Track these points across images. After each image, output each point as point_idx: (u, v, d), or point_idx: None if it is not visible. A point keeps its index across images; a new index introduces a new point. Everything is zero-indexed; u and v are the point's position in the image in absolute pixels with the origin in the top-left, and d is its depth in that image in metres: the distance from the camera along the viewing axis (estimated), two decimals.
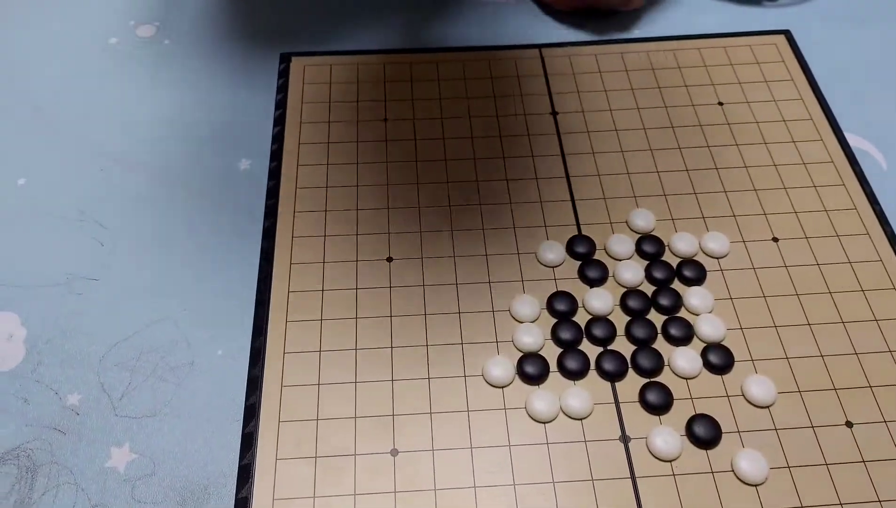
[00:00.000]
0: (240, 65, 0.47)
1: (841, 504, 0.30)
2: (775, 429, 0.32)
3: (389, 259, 0.37)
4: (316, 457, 0.31)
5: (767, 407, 0.33)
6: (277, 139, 0.42)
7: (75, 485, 0.32)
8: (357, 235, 0.38)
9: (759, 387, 0.33)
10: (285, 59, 0.46)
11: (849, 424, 0.32)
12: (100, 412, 0.34)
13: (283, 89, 0.44)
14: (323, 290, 0.36)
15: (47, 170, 0.42)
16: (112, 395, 0.34)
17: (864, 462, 0.31)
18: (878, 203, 0.39)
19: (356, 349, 0.34)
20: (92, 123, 0.44)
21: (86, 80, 0.46)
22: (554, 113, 0.43)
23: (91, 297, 0.37)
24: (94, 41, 0.48)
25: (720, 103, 0.44)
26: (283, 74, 0.45)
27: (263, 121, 0.44)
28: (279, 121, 0.43)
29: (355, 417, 0.32)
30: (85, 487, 0.32)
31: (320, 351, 0.34)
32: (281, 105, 0.43)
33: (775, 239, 0.38)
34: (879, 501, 0.30)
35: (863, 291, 0.36)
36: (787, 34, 0.47)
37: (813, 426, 0.32)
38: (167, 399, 0.34)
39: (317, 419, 0.32)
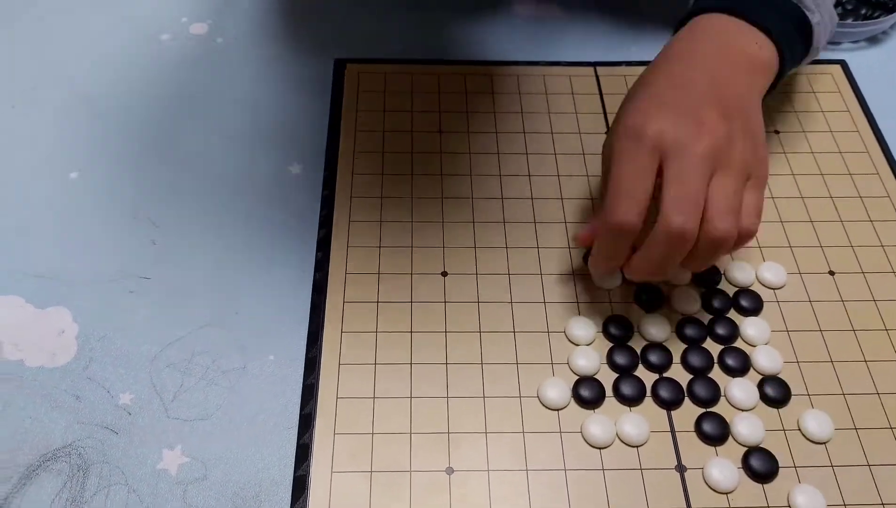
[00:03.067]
0: (292, 67, 0.47)
1: None
2: (832, 466, 0.32)
3: (444, 274, 0.37)
4: (371, 471, 0.31)
5: (824, 443, 0.32)
6: (332, 147, 0.42)
7: (127, 486, 0.32)
8: (412, 247, 0.38)
9: (817, 422, 0.33)
10: (340, 65, 0.45)
11: None
12: (152, 413, 0.33)
13: (337, 96, 0.44)
14: (378, 302, 0.36)
15: (99, 165, 0.42)
16: (164, 396, 0.34)
17: None
18: None
19: (411, 364, 0.34)
20: (144, 118, 0.44)
21: (137, 75, 0.46)
22: (609, 132, 0.43)
23: (143, 295, 0.37)
24: (147, 36, 0.48)
25: (776, 132, 0.43)
26: (338, 81, 0.45)
27: (315, 125, 0.43)
28: (334, 128, 0.42)
29: (410, 432, 0.32)
30: (137, 489, 0.31)
31: (375, 364, 0.34)
32: (335, 112, 0.43)
33: (832, 272, 0.38)
34: None
35: None
36: (842, 64, 0.47)
37: (869, 465, 0.32)
38: (219, 403, 0.34)
39: (372, 433, 0.32)
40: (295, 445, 0.32)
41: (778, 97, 0.45)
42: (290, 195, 0.41)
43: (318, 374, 0.33)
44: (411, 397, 0.33)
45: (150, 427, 0.33)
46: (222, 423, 0.33)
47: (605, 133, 0.43)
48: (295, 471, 0.31)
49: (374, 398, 0.33)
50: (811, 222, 0.40)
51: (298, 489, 0.30)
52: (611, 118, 0.44)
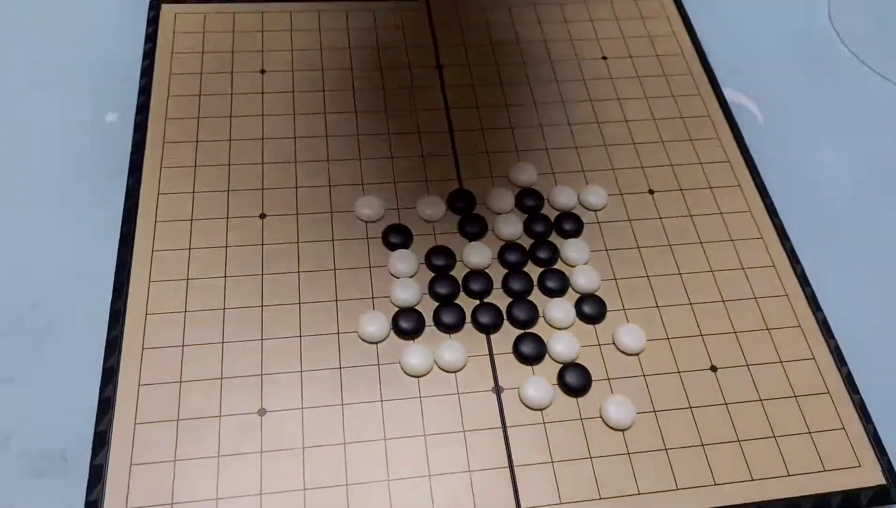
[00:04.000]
0: (107, 12, 0.44)
1: (703, 444, 0.31)
2: (643, 375, 0.33)
3: (262, 216, 0.36)
4: (178, 420, 0.30)
5: (637, 355, 0.33)
6: (144, 91, 0.39)
7: None
8: (229, 191, 0.36)
9: (629, 335, 0.33)
10: (155, 7, 0.43)
11: (713, 368, 0.33)
12: None
13: (152, 39, 0.41)
14: (190, 248, 0.34)
15: None
16: None
17: (726, 404, 0.32)
18: (750, 157, 0.40)
19: (224, 309, 0.33)
20: None
21: None
22: (439, 66, 0.42)
23: None
24: None
25: (604, 58, 0.44)
26: (153, 23, 0.42)
27: (132, 72, 0.41)
28: (147, 72, 0.40)
29: (221, 378, 0.31)
30: None
31: (185, 312, 0.32)
32: (149, 55, 0.41)
33: (651, 191, 0.38)
34: (739, 441, 0.31)
35: (732, 240, 0.37)
36: None
37: (679, 372, 0.33)
38: (22, 364, 0.32)
39: (180, 382, 0.31)
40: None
41: (607, 24, 0.45)
42: (105, 145, 0.38)
43: (123, 326, 0.32)
44: (223, 342, 0.32)
45: None
46: (25, 385, 0.31)
47: (435, 67, 0.42)
48: (95, 427, 0.30)
49: (182, 346, 0.32)
50: (634, 144, 0.40)
51: (98, 444, 0.29)
52: (441, 51, 0.43)
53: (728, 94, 0.44)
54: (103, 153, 0.38)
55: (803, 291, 0.36)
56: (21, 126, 0.39)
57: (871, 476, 0.31)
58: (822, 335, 0.34)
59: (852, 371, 0.34)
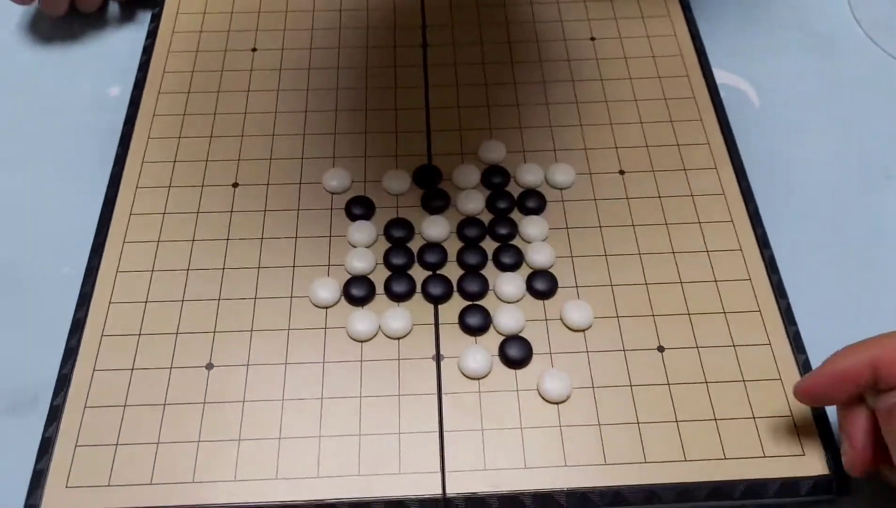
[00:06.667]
0: None
1: (638, 422, 0.31)
2: (587, 351, 0.33)
3: (235, 185, 0.37)
4: (133, 369, 0.32)
5: (583, 331, 0.33)
6: (143, 68, 0.42)
7: None
8: (207, 161, 0.38)
9: (576, 311, 0.33)
10: None
11: (660, 348, 0.33)
12: None
13: (156, 18, 0.44)
14: (164, 213, 0.36)
15: None
16: None
17: (668, 384, 0.32)
18: (732, 139, 0.39)
19: (188, 270, 0.35)
20: None
21: None
22: (425, 45, 0.43)
23: None
24: None
25: (592, 39, 0.43)
26: (159, 3, 0.45)
27: (138, 50, 0.44)
28: (147, 50, 0.43)
29: (177, 333, 0.33)
30: None
31: (153, 271, 0.35)
32: (152, 35, 0.43)
33: (622, 172, 0.38)
34: (676, 421, 0.31)
35: (699, 223, 0.36)
36: None
37: (624, 350, 0.33)
38: (4, 312, 0.35)
39: (139, 334, 0.33)
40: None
41: (600, 5, 0.45)
42: (106, 116, 0.41)
43: (95, 282, 0.34)
44: (183, 300, 0.34)
45: None
46: (5, 332, 0.34)
47: (420, 46, 0.43)
48: (60, 371, 0.32)
49: (146, 302, 0.34)
50: (611, 124, 0.40)
51: (59, 387, 0.32)
52: (429, 30, 0.44)
53: (724, 77, 0.43)
54: (102, 124, 0.41)
55: (769, 277, 0.35)
56: (32, 96, 0.42)
57: (815, 465, 0.30)
58: (783, 321, 0.33)
59: (811, 361, 0.32)
